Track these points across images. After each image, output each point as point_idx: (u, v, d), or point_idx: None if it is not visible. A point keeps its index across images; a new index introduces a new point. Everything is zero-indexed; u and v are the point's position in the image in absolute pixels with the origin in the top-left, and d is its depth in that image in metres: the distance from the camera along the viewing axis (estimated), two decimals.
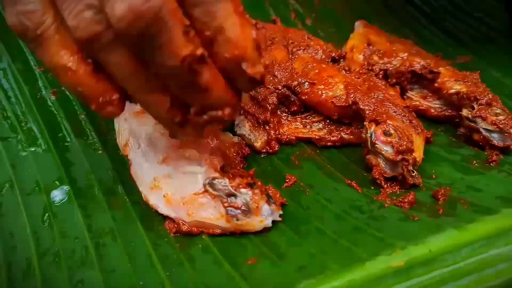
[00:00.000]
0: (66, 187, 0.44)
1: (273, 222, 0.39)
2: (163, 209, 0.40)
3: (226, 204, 0.38)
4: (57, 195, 0.43)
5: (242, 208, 0.38)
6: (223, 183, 0.39)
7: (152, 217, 0.41)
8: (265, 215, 0.38)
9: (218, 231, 0.39)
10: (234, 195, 0.38)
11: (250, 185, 0.39)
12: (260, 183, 0.40)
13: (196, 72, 0.29)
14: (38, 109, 0.52)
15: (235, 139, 0.48)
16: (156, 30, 0.27)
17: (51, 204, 0.43)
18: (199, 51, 0.29)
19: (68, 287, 0.36)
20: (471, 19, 0.68)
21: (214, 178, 0.39)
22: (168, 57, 0.28)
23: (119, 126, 0.47)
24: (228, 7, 0.29)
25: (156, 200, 0.40)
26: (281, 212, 0.39)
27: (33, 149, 0.48)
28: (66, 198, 0.43)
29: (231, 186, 0.38)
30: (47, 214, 0.42)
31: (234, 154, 0.46)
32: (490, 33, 0.66)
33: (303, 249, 0.37)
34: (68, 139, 0.48)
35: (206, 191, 0.39)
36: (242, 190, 0.38)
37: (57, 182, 0.44)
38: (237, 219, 0.38)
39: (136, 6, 0.26)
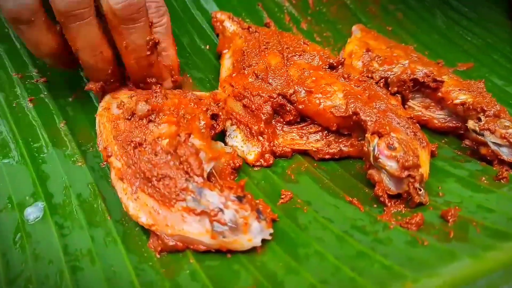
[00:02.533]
0: (41, 204, 0.41)
1: (266, 241, 0.36)
2: (144, 220, 0.37)
3: (212, 219, 0.35)
4: (31, 212, 0.40)
5: (230, 224, 0.34)
6: (210, 195, 0.35)
7: (134, 237, 0.38)
8: (255, 233, 0.35)
9: (203, 247, 0.36)
10: (221, 210, 0.35)
11: (239, 198, 0.35)
12: (250, 196, 0.36)
13: (151, 50, 0.45)
14: (13, 118, 0.48)
15: (227, 149, 0.44)
16: (138, 17, 0.43)
17: (24, 223, 0.40)
18: (154, 37, 0.46)
19: None
20: (473, 25, 0.65)
21: (201, 190, 0.36)
22: (139, 37, 0.44)
23: (101, 128, 0.43)
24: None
25: (136, 210, 0.37)
26: (271, 231, 0.36)
27: (6, 161, 0.44)
28: (41, 216, 0.40)
29: (219, 199, 0.35)
30: (19, 234, 0.39)
31: (225, 165, 0.42)
32: (493, 40, 0.63)
33: (302, 278, 0.34)
34: (45, 150, 0.45)
35: (191, 203, 0.35)
36: (231, 204, 0.35)
37: (31, 197, 0.41)
38: (224, 236, 0.35)
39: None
